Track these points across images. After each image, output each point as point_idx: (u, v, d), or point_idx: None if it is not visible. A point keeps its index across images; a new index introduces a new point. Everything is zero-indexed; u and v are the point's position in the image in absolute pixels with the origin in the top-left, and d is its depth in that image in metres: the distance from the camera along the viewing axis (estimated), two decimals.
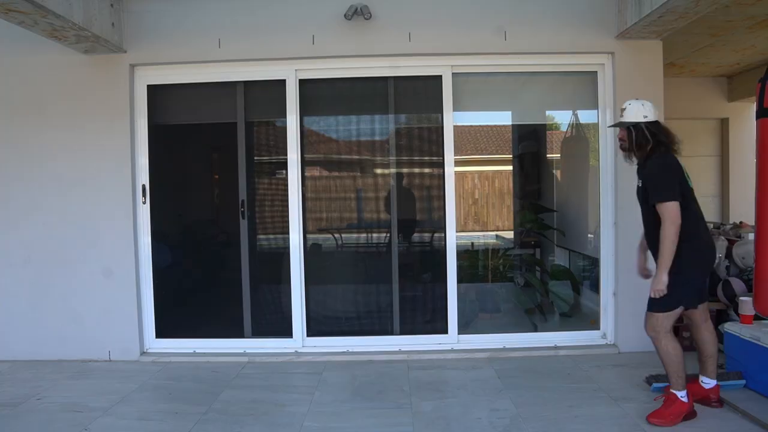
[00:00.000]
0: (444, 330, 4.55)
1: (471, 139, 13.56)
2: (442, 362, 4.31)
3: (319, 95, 4.68)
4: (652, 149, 3.17)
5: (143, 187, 4.52)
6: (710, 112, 7.16)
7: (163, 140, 4.69)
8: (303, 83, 4.51)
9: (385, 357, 4.40)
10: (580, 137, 5.28)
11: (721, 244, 4.70)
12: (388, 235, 4.69)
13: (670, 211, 3.01)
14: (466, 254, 5.80)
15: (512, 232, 7.23)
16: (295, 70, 4.47)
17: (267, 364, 4.32)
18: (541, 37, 4.35)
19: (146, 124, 4.51)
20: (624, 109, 3.27)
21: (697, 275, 3.19)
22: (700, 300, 3.29)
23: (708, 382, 3.31)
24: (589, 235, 5.12)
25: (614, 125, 3.46)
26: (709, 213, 7.08)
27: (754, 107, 3.65)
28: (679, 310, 3.14)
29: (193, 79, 4.54)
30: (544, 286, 5.39)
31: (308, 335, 4.58)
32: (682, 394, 3.11)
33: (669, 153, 3.17)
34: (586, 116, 5.05)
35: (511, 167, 7.68)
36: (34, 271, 4.44)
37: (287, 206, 4.53)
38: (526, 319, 4.97)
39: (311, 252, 4.71)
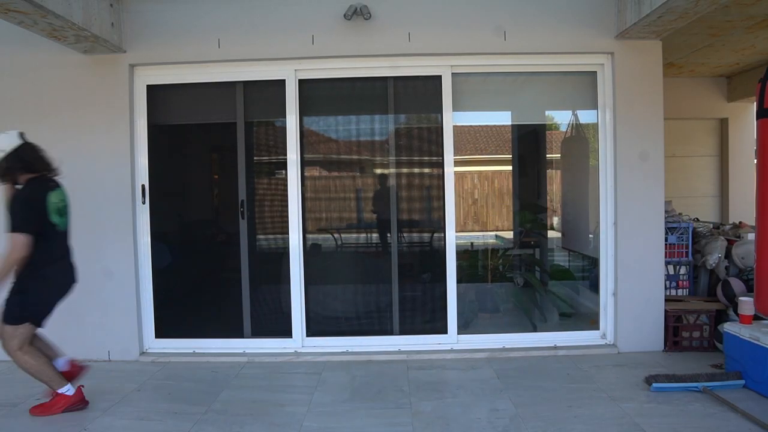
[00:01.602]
0: (443, 330, 4.55)
1: (471, 139, 13.55)
2: (442, 362, 4.31)
3: (318, 95, 4.68)
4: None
5: (143, 187, 4.52)
6: (710, 112, 7.16)
7: (163, 140, 4.69)
8: (303, 83, 4.51)
9: (385, 357, 4.40)
10: (580, 137, 5.28)
11: (720, 245, 4.70)
12: (388, 235, 4.69)
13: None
14: (466, 254, 5.80)
15: (512, 232, 7.23)
16: (295, 70, 4.47)
17: (266, 364, 4.32)
18: (541, 37, 4.35)
19: (146, 124, 4.51)
20: None
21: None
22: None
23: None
24: (589, 235, 5.12)
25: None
26: (709, 213, 7.09)
27: (753, 107, 3.66)
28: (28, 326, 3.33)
29: (193, 79, 4.54)
30: (543, 286, 5.39)
31: (308, 335, 4.58)
32: (65, 389, 3.39)
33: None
34: (585, 116, 5.05)
35: (510, 167, 7.67)
36: None
37: (287, 206, 4.53)
38: (525, 319, 4.98)
39: (311, 252, 4.71)
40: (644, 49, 4.36)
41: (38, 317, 3.38)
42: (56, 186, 3.42)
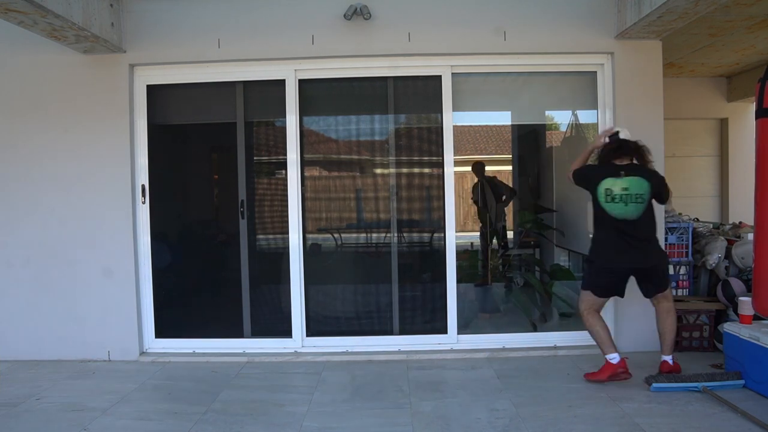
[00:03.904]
0: (443, 330, 4.55)
1: (471, 139, 13.56)
2: (442, 362, 4.31)
3: (318, 95, 4.68)
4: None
5: (143, 187, 4.52)
6: (710, 112, 7.16)
7: (163, 140, 4.68)
8: (302, 83, 4.51)
9: (385, 357, 4.40)
10: (580, 137, 5.28)
11: (720, 245, 4.70)
12: (388, 235, 4.69)
13: None
14: (466, 254, 5.80)
15: (512, 232, 7.23)
16: (295, 70, 4.47)
17: (266, 364, 4.32)
18: (541, 37, 4.35)
19: (146, 124, 4.51)
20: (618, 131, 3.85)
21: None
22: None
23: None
24: (589, 235, 5.11)
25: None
26: (708, 213, 7.08)
27: (753, 107, 3.66)
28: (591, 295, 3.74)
29: (193, 79, 4.54)
30: (543, 286, 5.39)
31: (308, 335, 4.58)
32: (612, 357, 3.68)
33: None
34: (585, 116, 5.05)
35: (510, 167, 7.67)
36: (34, 271, 4.44)
37: (287, 206, 4.54)
38: (525, 319, 4.97)
39: (311, 252, 4.71)
40: (644, 49, 4.36)
41: (593, 288, 3.75)
42: (618, 175, 3.63)
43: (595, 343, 3.81)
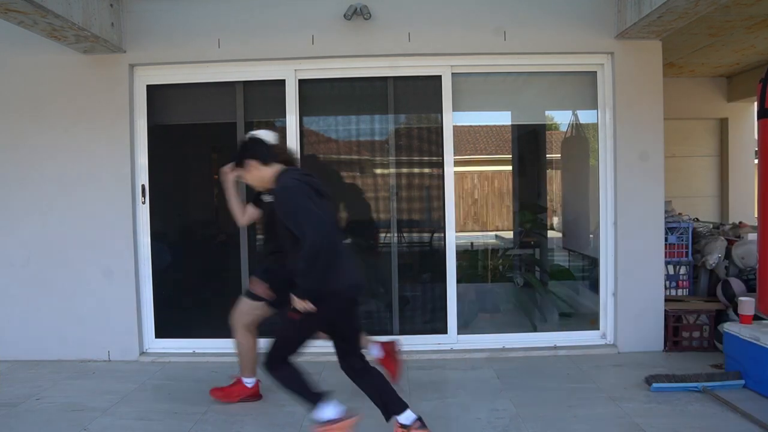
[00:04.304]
0: (443, 330, 4.55)
1: (471, 139, 13.55)
2: (442, 362, 4.31)
3: (318, 95, 4.68)
4: None
5: (143, 187, 4.52)
6: (709, 112, 7.16)
7: (163, 140, 4.68)
8: (303, 83, 4.50)
9: None
10: (580, 137, 5.28)
11: (720, 245, 4.70)
12: (388, 235, 4.69)
13: None
14: (466, 254, 5.80)
15: (512, 232, 7.23)
16: (295, 70, 4.47)
17: None
18: (541, 37, 4.35)
19: (146, 124, 4.51)
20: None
21: None
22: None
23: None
24: (589, 235, 5.12)
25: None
26: (709, 213, 7.08)
27: (753, 107, 3.66)
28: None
29: (193, 79, 4.54)
30: (543, 286, 5.39)
31: None
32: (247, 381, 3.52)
33: None
34: (585, 116, 5.05)
35: (510, 167, 7.65)
36: (34, 272, 4.44)
37: None
38: (525, 319, 4.98)
39: None
40: (644, 49, 4.36)
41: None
42: None
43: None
